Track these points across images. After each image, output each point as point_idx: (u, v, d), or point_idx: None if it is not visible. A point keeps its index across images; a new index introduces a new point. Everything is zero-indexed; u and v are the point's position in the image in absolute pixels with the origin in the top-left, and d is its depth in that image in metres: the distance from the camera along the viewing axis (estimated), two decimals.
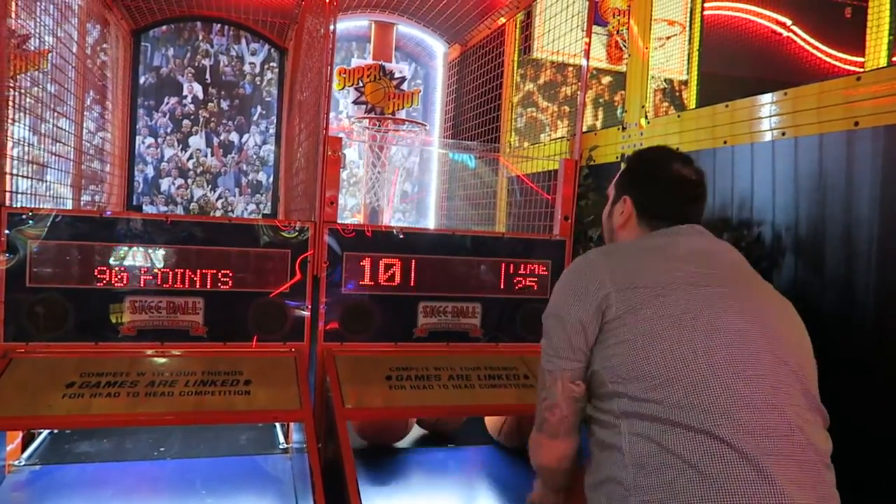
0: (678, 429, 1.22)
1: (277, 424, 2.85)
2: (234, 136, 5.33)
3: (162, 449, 2.63)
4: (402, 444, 2.88)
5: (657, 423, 1.25)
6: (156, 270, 2.42)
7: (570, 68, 4.97)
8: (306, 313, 2.58)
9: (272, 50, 5.37)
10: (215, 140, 5.29)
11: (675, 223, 1.54)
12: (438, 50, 5.56)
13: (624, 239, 1.63)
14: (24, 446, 2.53)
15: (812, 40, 6.27)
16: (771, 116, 2.39)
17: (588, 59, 3.18)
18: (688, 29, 5.09)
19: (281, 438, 2.78)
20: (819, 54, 6.27)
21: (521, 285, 2.85)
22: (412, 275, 2.70)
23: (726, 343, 1.29)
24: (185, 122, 5.21)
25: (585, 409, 1.49)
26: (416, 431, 2.98)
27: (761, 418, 1.22)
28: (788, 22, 6.17)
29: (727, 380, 1.25)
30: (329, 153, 2.58)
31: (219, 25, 5.26)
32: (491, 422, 2.86)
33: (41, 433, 2.66)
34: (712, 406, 1.22)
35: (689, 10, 5.02)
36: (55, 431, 2.68)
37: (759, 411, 1.22)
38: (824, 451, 1.27)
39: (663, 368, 1.27)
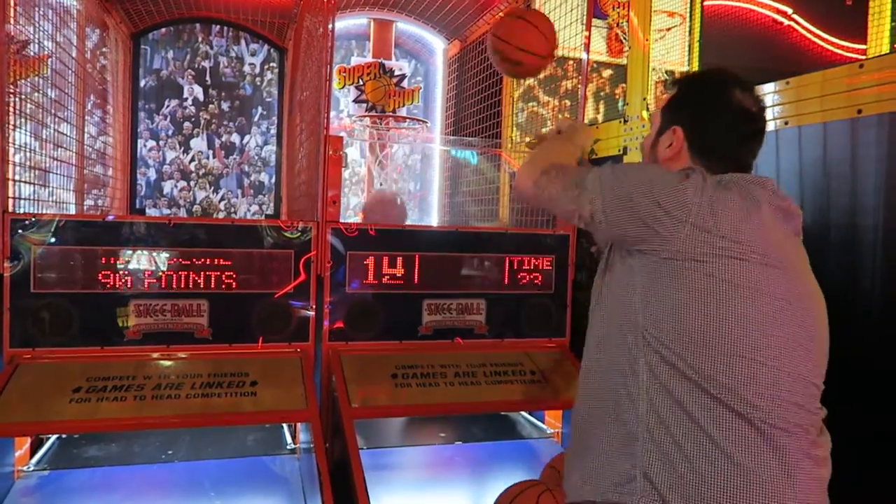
0: (707, 398, 1.15)
1: (284, 425, 2.85)
2: (235, 138, 5.33)
3: (170, 452, 2.64)
4: (409, 442, 2.88)
5: (690, 384, 1.17)
6: (160, 273, 2.42)
7: (571, 62, 4.94)
8: (311, 313, 2.58)
9: (272, 50, 5.36)
10: (217, 142, 5.29)
11: (732, 163, 1.35)
12: (438, 46, 5.54)
13: None
14: (33, 452, 2.53)
15: (813, 28, 6.24)
16: (774, 106, 2.38)
17: (588, 52, 3.17)
18: (688, 20, 5.06)
19: (288, 439, 2.79)
20: (821, 42, 6.23)
21: (525, 281, 2.85)
22: (416, 272, 2.70)
23: (780, 335, 1.18)
24: (186, 124, 5.21)
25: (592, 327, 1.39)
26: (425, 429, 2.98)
27: (794, 416, 1.17)
28: (789, 11, 6.14)
29: (773, 372, 1.16)
30: (330, 152, 2.58)
31: (218, 27, 5.25)
32: None
33: (49, 438, 2.66)
34: (752, 391, 1.15)
35: (689, 0, 4.99)
36: (63, 436, 2.69)
37: (793, 410, 1.17)
38: (827, 452, 1.25)
39: (714, 340, 1.16)
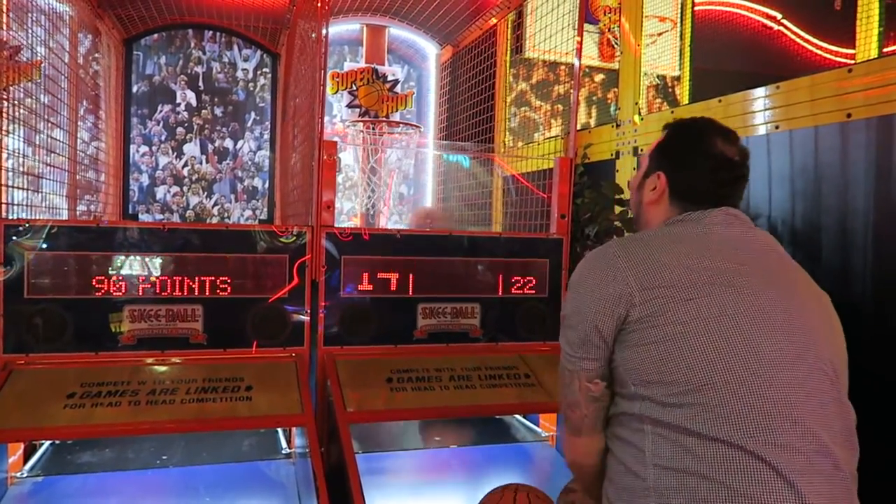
0: (705, 440, 1.17)
1: (280, 430, 2.85)
2: (228, 143, 5.33)
3: (164, 457, 2.63)
4: (405, 445, 2.88)
5: (683, 432, 1.19)
6: (154, 279, 2.42)
7: (563, 67, 4.97)
8: (306, 318, 2.58)
9: (264, 55, 5.36)
10: (210, 147, 5.29)
11: (711, 204, 1.41)
12: (431, 52, 5.56)
13: (652, 215, 1.50)
14: (26, 458, 2.52)
15: (803, 33, 6.29)
16: (764, 110, 2.40)
17: (580, 57, 3.19)
18: (679, 25, 5.10)
19: (283, 443, 2.78)
20: (810, 47, 6.29)
21: (519, 284, 2.86)
22: (410, 277, 2.71)
23: (758, 350, 1.21)
24: (179, 129, 5.20)
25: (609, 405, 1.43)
26: (421, 433, 2.99)
27: (794, 432, 1.16)
28: (779, 16, 6.19)
29: (759, 390, 1.18)
30: (324, 157, 2.59)
31: (210, 32, 5.25)
32: None
33: (43, 444, 2.65)
34: (743, 418, 1.16)
35: (679, 6, 5.03)
36: (57, 442, 2.68)
37: (792, 425, 1.16)
38: (853, 464, 1.23)
39: (690, 375, 1.20)
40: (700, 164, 1.43)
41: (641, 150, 3.00)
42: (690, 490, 1.16)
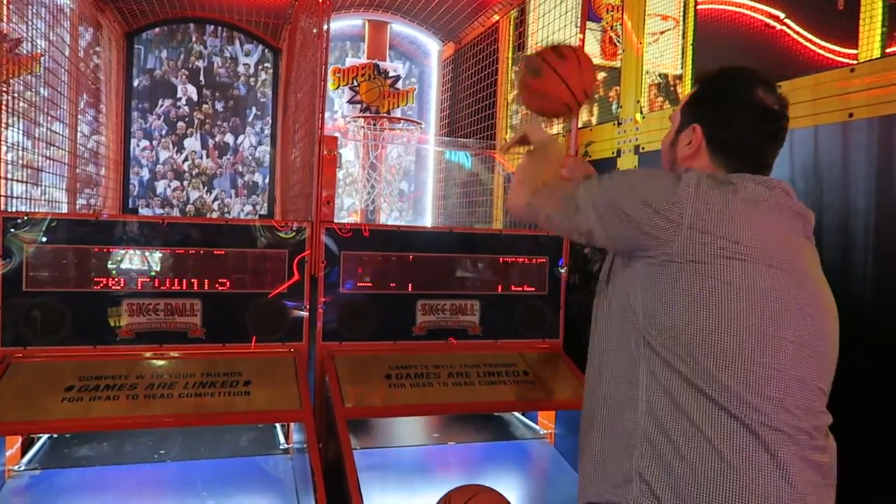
0: (706, 401, 1.15)
1: (278, 425, 2.85)
2: (229, 138, 5.32)
3: (162, 451, 2.63)
4: (403, 442, 2.88)
5: (683, 382, 1.17)
6: (153, 273, 2.41)
7: None
8: (305, 313, 2.58)
9: (266, 50, 5.35)
10: (210, 142, 5.28)
11: (752, 161, 1.33)
12: (433, 48, 5.55)
13: None
14: (24, 451, 2.52)
15: (805, 33, 6.28)
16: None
17: None
18: (681, 23, 5.09)
19: (281, 439, 2.78)
20: (812, 47, 6.28)
21: (518, 282, 2.86)
22: (410, 273, 2.70)
23: (789, 338, 1.17)
24: (180, 124, 5.20)
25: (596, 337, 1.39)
26: (419, 430, 2.99)
27: (792, 418, 1.16)
28: (781, 15, 6.18)
29: (773, 373, 1.15)
30: (325, 153, 2.58)
31: (212, 27, 5.24)
32: None
33: (40, 438, 2.65)
34: (751, 392, 1.14)
35: (682, 4, 5.02)
36: (55, 436, 2.68)
37: (792, 412, 1.16)
38: (833, 455, 1.24)
39: (719, 342, 1.15)
40: (742, 113, 1.33)
41: (643, 148, 2.99)
42: (680, 453, 1.16)
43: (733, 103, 1.35)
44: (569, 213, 1.37)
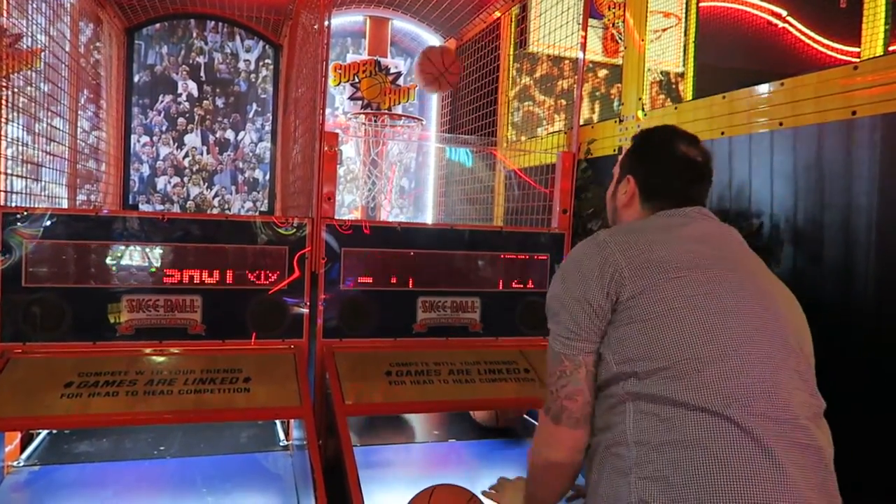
0: (686, 409, 1.22)
1: (278, 422, 2.85)
2: (229, 134, 5.31)
3: (162, 448, 2.63)
4: (403, 439, 2.88)
5: (665, 403, 1.25)
6: (153, 269, 2.41)
7: (567, 62, 4.95)
8: (305, 310, 2.57)
9: (267, 46, 5.34)
10: (211, 138, 5.27)
11: (679, 205, 1.52)
12: (434, 44, 5.53)
13: (626, 218, 1.62)
14: (23, 447, 2.52)
15: (807, 31, 6.26)
16: (769, 107, 2.38)
17: (584, 52, 3.17)
18: (684, 21, 5.07)
19: (281, 435, 2.78)
20: (815, 45, 6.26)
21: (519, 279, 2.85)
22: (411, 270, 2.69)
23: (739, 326, 1.28)
24: (181, 120, 5.19)
25: None
26: (419, 427, 2.98)
27: (770, 402, 1.22)
28: (784, 13, 6.16)
29: (738, 363, 1.24)
30: (325, 149, 2.57)
31: (213, 22, 5.23)
32: None
33: (40, 433, 2.65)
34: (723, 388, 1.22)
35: (684, 1, 5.00)
36: (54, 431, 2.68)
37: (769, 396, 1.23)
38: (824, 437, 1.28)
39: (675, 349, 1.26)
40: (666, 165, 1.55)
41: None
42: (671, 459, 1.21)
43: (658, 157, 1.58)
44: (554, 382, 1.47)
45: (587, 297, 1.38)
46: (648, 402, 1.27)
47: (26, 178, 2.85)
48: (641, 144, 1.65)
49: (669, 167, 1.55)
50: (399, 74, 5.27)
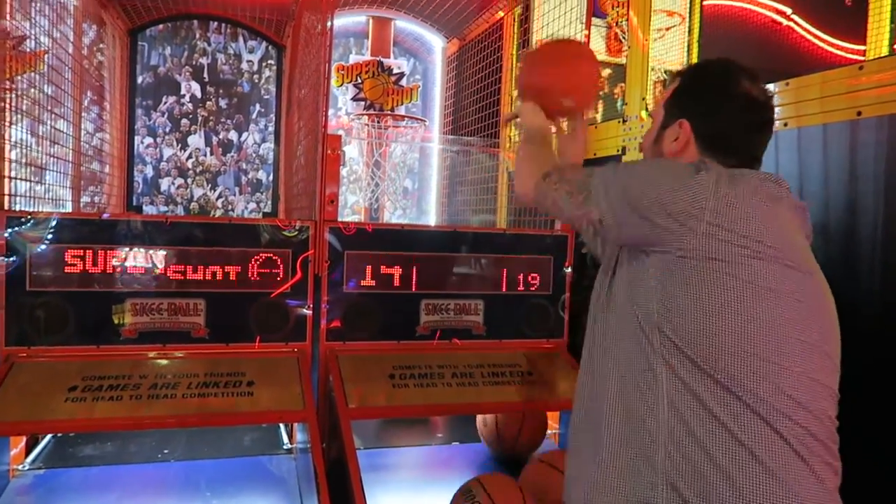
0: (739, 404, 1.11)
1: (281, 425, 2.85)
2: (233, 135, 5.32)
3: (166, 451, 2.63)
4: (406, 442, 2.87)
5: (718, 388, 1.12)
6: (156, 272, 2.41)
7: None
8: (308, 313, 2.57)
9: (270, 47, 5.34)
10: (214, 139, 5.28)
11: (743, 155, 1.31)
12: (437, 45, 5.53)
13: None
14: (28, 451, 2.52)
15: (813, 29, 6.23)
16: (774, 106, 2.37)
17: None
18: (688, 19, 5.05)
19: (285, 439, 2.78)
20: (820, 43, 6.23)
21: (523, 281, 2.84)
22: (414, 272, 2.69)
23: (809, 338, 1.15)
24: (184, 121, 5.19)
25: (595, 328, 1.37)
26: (423, 430, 2.98)
27: (818, 422, 1.14)
28: (788, 11, 6.14)
29: (799, 375, 1.13)
30: (329, 151, 2.57)
31: (216, 23, 5.23)
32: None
33: (45, 437, 2.65)
34: (779, 400, 1.11)
35: (688, 0, 4.98)
36: (58, 435, 2.68)
37: (817, 416, 1.14)
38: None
39: (742, 345, 1.12)
40: (728, 106, 1.31)
41: None
42: (707, 455, 1.11)
43: (719, 95, 1.33)
44: (579, 200, 1.32)
45: (657, 192, 1.18)
46: (692, 381, 1.14)
47: (30, 180, 2.86)
48: (696, 80, 1.39)
49: (733, 109, 1.30)
50: (402, 75, 5.26)
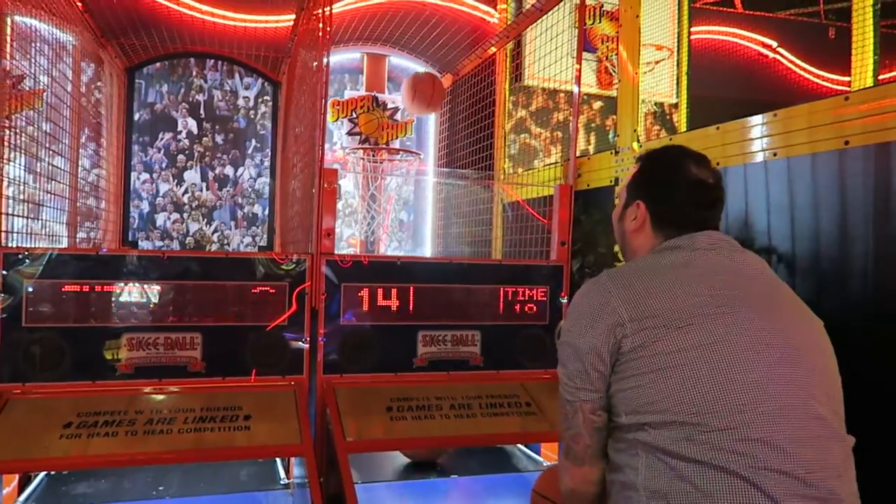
0: (697, 464, 1.19)
1: (278, 459, 2.82)
2: (229, 170, 5.35)
3: (161, 488, 2.59)
4: (405, 476, 2.85)
5: (675, 457, 1.21)
6: (152, 306, 2.41)
7: (562, 94, 5.02)
8: (305, 346, 2.56)
9: (265, 83, 5.41)
10: (210, 174, 5.31)
11: (692, 227, 1.45)
12: None
13: (637, 244, 1.55)
14: (21, 489, 2.49)
15: (798, 61, 6.36)
16: (762, 137, 2.41)
17: (579, 84, 3.22)
18: (676, 53, 5.16)
19: (282, 473, 2.75)
20: (806, 75, 6.35)
21: (519, 312, 2.85)
22: (410, 304, 2.69)
23: (748, 378, 1.22)
24: (180, 157, 5.23)
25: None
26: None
27: (785, 457, 1.17)
28: (774, 44, 6.27)
29: (750, 417, 1.19)
30: (325, 185, 2.59)
31: (212, 61, 5.31)
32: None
33: (38, 475, 2.62)
34: (733, 445, 1.18)
35: (676, 34, 5.09)
36: (52, 473, 2.65)
37: (782, 450, 1.17)
38: (845, 487, 1.23)
39: (682, 404, 1.22)
40: (677, 189, 1.48)
41: None
42: None
43: (669, 180, 1.50)
44: (565, 428, 1.47)
45: (586, 347, 1.36)
46: (659, 453, 1.24)
47: (27, 217, 2.87)
48: (649, 167, 1.57)
49: (680, 193, 1.47)
50: (396, 109, 5.33)
